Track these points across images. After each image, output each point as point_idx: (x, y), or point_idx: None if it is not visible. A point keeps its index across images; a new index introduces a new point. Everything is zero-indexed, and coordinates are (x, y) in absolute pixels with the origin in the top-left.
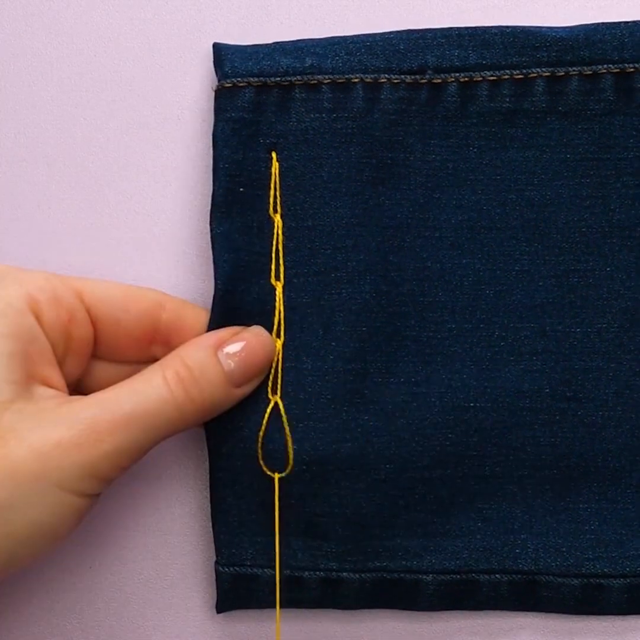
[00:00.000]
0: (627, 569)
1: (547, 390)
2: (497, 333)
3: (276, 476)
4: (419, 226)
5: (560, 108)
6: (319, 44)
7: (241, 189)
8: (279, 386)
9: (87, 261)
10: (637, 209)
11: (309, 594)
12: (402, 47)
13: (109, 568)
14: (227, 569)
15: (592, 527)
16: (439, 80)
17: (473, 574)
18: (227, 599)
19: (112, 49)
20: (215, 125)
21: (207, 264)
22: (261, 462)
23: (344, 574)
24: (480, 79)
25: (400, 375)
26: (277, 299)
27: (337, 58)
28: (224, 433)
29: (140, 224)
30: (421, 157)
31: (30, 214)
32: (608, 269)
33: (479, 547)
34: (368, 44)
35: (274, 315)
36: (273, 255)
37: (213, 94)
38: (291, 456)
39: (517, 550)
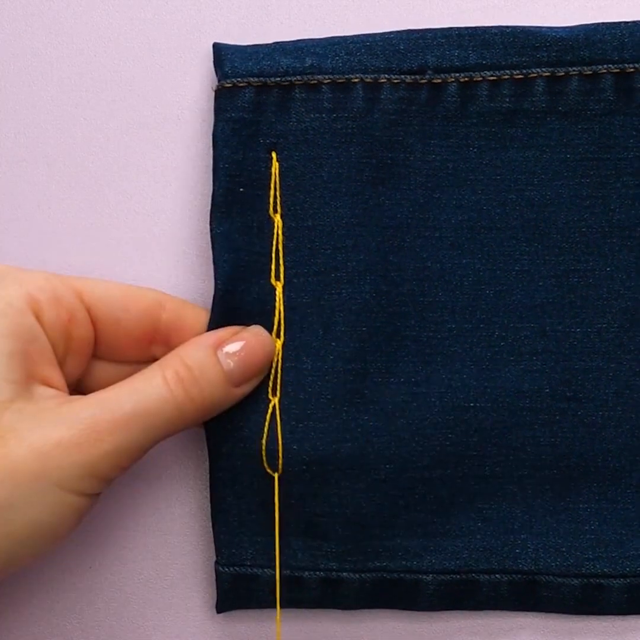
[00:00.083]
0: (627, 569)
1: (547, 390)
2: (497, 333)
3: (276, 475)
4: (419, 226)
5: (560, 108)
6: (319, 44)
7: (241, 189)
8: (278, 386)
9: (87, 261)
10: (637, 209)
11: (309, 594)
12: (402, 47)
13: (109, 568)
14: (227, 569)
15: (592, 527)
16: (439, 80)
17: (473, 574)
18: (227, 599)
19: (112, 49)
20: (215, 125)
21: (207, 264)
22: (265, 462)
23: (344, 574)
24: (480, 79)
25: (400, 375)
26: (277, 299)
27: (337, 58)
28: (224, 433)
29: (140, 224)
30: (421, 157)
31: (30, 214)
32: (608, 269)
33: (479, 547)
34: (368, 44)
35: (274, 315)
36: (273, 255)
37: (213, 94)
38: (281, 458)
39: (517, 550)
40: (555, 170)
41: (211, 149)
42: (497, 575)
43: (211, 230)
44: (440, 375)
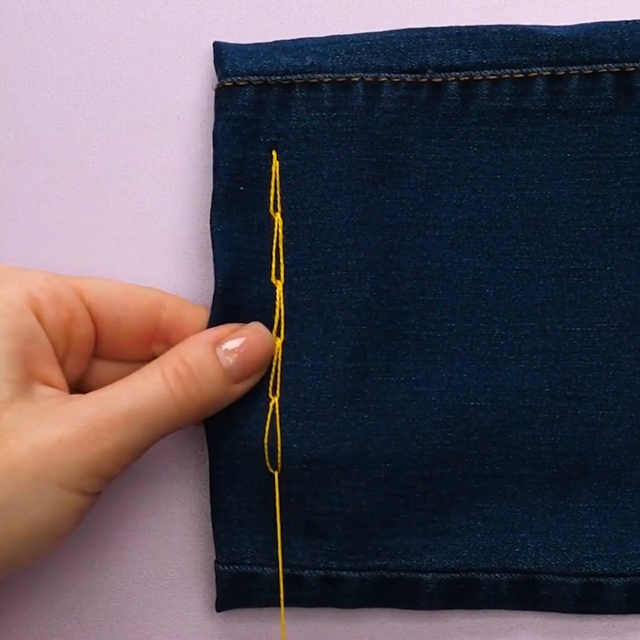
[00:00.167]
0: (627, 568)
1: (547, 389)
2: (497, 332)
3: (276, 473)
4: (419, 225)
5: (560, 107)
6: (319, 43)
7: (241, 188)
8: (278, 385)
9: (87, 261)
10: (637, 208)
11: (309, 593)
12: (402, 46)
13: (109, 568)
14: (227, 568)
15: (592, 526)
16: (440, 79)
17: (473, 573)
18: (226, 597)
19: (112, 49)
20: (215, 124)
21: (207, 264)
22: (267, 460)
23: (344, 572)
24: (481, 78)
25: (400, 374)
26: (277, 297)
27: (338, 57)
28: (224, 431)
29: (140, 224)
30: (421, 156)
31: (30, 214)
32: (608, 268)
33: (479, 546)
34: (368, 42)
35: (274, 314)
36: (273, 253)
37: (213, 93)
38: (281, 457)
39: (517, 549)
40: (555, 169)
41: (211, 148)
42: (497, 574)
43: (211, 229)
44: (440, 374)
